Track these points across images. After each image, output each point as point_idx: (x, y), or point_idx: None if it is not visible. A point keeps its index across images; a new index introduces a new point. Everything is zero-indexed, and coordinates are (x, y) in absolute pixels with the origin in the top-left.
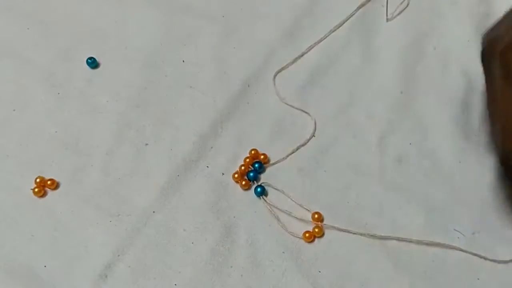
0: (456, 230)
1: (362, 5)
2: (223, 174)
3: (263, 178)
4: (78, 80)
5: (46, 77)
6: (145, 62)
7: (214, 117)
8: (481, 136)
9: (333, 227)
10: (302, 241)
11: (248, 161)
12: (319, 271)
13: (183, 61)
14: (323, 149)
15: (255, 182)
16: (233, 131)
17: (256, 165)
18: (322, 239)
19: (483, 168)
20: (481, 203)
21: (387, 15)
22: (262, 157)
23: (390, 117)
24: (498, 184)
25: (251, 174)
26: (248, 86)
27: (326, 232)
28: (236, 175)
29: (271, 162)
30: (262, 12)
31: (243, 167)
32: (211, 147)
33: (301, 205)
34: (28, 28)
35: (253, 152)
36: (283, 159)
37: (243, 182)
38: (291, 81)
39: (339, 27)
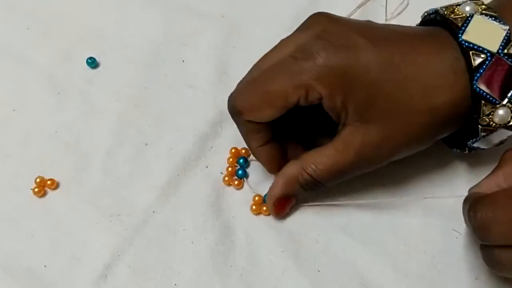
0: (454, 230)
1: (362, 4)
2: (222, 173)
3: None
4: (78, 80)
5: (46, 77)
6: (145, 62)
7: (214, 117)
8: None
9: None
10: (302, 241)
11: (232, 160)
12: (319, 270)
13: (183, 61)
14: None
15: (245, 179)
16: (233, 131)
17: (241, 161)
18: (322, 238)
19: (483, 167)
20: None
21: (386, 15)
22: (243, 151)
23: None
24: None
25: (240, 172)
26: None
27: (326, 231)
28: (226, 178)
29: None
30: (262, 12)
31: (230, 168)
32: (211, 147)
33: None
34: (28, 28)
35: (233, 150)
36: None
37: (236, 182)
38: None
39: None
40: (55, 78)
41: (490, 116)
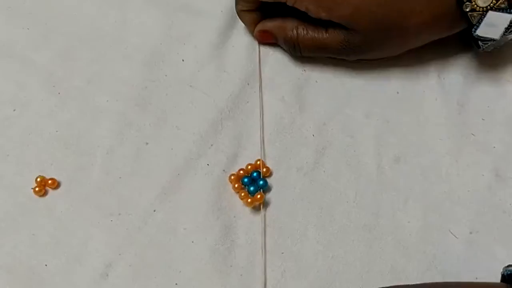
0: (451, 232)
1: None
2: (224, 171)
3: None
4: (78, 80)
5: (46, 77)
6: (145, 61)
7: (214, 115)
8: (479, 135)
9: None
10: (302, 242)
11: (250, 168)
12: (318, 271)
13: (183, 60)
14: (321, 148)
15: (246, 187)
16: (233, 129)
17: (255, 174)
18: (322, 239)
19: (481, 167)
20: (478, 202)
21: None
22: (264, 169)
23: (388, 117)
24: (495, 183)
25: (246, 179)
26: (248, 84)
27: (326, 232)
28: (232, 177)
29: (273, 176)
30: None
31: (241, 171)
32: (211, 145)
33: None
34: (28, 28)
35: (258, 162)
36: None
37: (236, 185)
38: (290, 80)
39: None
40: (55, 78)
41: (473, 2)
